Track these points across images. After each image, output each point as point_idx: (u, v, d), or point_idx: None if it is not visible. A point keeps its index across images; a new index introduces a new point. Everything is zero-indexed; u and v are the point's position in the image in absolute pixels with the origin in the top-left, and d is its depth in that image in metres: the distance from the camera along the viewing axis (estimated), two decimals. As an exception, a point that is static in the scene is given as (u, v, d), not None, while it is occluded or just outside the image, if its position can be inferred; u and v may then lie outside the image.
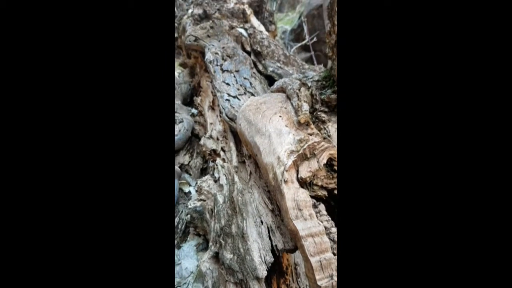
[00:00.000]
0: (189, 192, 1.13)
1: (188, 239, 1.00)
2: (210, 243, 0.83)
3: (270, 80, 1.29)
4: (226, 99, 1.01)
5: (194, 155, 1.31)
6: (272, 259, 0.65)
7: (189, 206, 0.96)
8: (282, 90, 0.96)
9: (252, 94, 1.07)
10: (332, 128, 0.85)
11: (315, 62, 3.11)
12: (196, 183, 1.17)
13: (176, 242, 0.99)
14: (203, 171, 1.29)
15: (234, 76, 1.10)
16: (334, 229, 0.62)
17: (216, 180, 1.01)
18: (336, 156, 0.71)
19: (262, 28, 1.58)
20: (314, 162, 0.69)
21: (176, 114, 1.40)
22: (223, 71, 1.11)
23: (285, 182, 0.64)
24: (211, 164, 1.17)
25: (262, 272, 0.63)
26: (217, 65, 1.13)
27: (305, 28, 2.38)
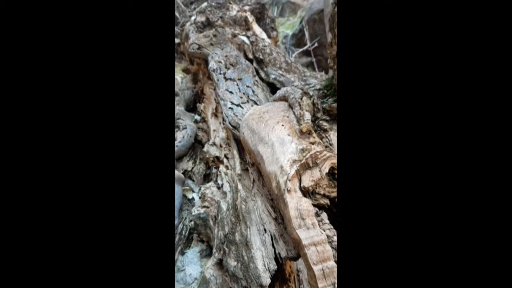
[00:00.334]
0: (193, 198, 1.15)
1: (192, 245, 1.01)
2: (214, 250, 0.84)
3: (272, 87, 1.31)
4: (230, 107, 1.03)
5: (197, 161, 1.33)
6: (276, 267, 0.67)
7: (193, 213, 0.97)
8: (284, 98, 0.97)
9: (255, 102, 1.08)
10: (333, 136, 0.87)
11: (316, 67, 3.13)
12: (199, 189, 1.19)
13: (180, 248, 1.00)
14: (206, 177, 1.31)
15: (237, 85, 1.12)
16: (336, 238, 0.63)
17: (219, 187, 1.03)
18: (337, 165, 0.73)
19: (264, 35, 1.60)
20: (316, 171, 0.70)
21: (180, 121, 1.42)
22: (226, 79, 1.13)
23: (288, 191, 0.65)
24: (214, 170, 1.18)
25: (266, 279, 0.65)
26: (220, 73, 1.15)
27: (306, 33, 2.41)
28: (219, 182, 1.04)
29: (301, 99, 0.92)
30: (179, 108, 1.53)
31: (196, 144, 1.39)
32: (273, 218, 0.74)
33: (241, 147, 1.00)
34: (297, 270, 0.87)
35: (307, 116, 0.85)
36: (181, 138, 1.30)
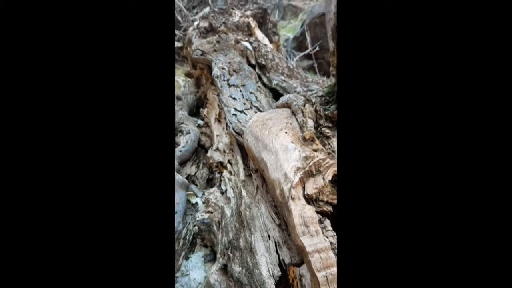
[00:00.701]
0: (196, 203, 1.16)
1: (195, 250, 1.02)
2: (218, 255, 0.86)
3: (274, 92, 1.32)
4: (233, 114, 1.05)
5: (201, 166, 1.34)
6: (280, 273, 0.68)
7: (197, 218, 0.98)
8: (287, 105, 0.99)
9: (258, 108, 1.10)
10: (336, 143, 0.88)
11: (317, 70, 3.15)
12: (203, 193, 1.20)
13: (184, 253, 1.01)
14: (209, 182, 1.32)
15: (241, 91, 1.13)
16: (339, 245, 0.65)
17: (223, 192, 1.04)
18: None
19: (266, 41, 1.62)
20: (319, 178, 0.72)
21: (183, 125, 1.44)
22: (229, 85, 1.15)
23: (292, 198, 0.67)
24: (217, 175, 1.20)
25: (270, 286, 0.66)
26: (224, 80, 1.16)
27: (308, 37, 2.43)
28: (223, 187, 1.05)
29: (304, 106, 0.93)
30: (182, 113, 1.55)
31: (199, 149, 1.40)
32: (277, 225, 0.75)
33: (245, 153, 1.01)
34: (300, 275, 0.88)
35: (310, 123, 0.87)
36: (185, 143, 1.31)
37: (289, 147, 0.79)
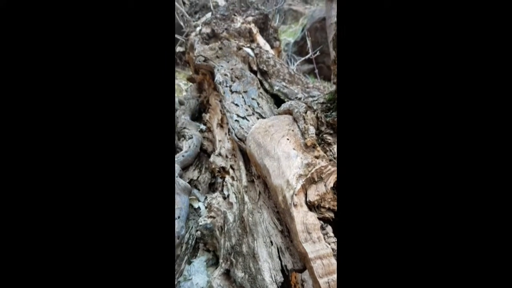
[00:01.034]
0: (199, 207, 1.17)
1: (198, 254, 1.03)
2: (221, 260, 0.87)
3: (276, 98, 1.34)
4: (236, 120, 1.06)
5: (203, 170, 1.35)
6: (282, 279, 0.69)
7: (200, 223, 1.00)
8: (288, 112, 1.00)
9: (260, 114, 1.12)
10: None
11: (317, 74, 3.18)
12: (205, 198, 1.21)
13: (186, 257, 1.02)
14: (211, 186, 1.33)
15: (243, 97, 1.15)
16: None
17: (225, 197, 1.06)
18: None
19: (267, 46, 1.64)
20: (321, 185, 0.73)
21: (186, 130, 1.45)
22: (232, 92, 1.16)
23: (295, 205, 0.68)
24: (219, 180, 1.21)
25: (273, 291, 0.67)
26: (226, 86, 1.18)
27: (309, 42, 2.47)
28: (225, 192, 1.07)
29: (306, 113, 0.95)
30: (184, 118, 1.56)
31: (202, 154, 1.42)
32: (279, 231, 0.77)
33: (247, 159, 1.03)
34: (302, 280, 0.89)
35: (312, 130, 0.88)
36: (187, 147, 1.33)
37: (291, 154, 0.80)
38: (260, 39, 1.65)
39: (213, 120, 1.38)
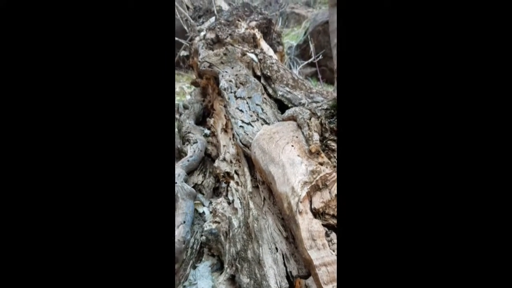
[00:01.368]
0: (203, 212, 1.19)
1: (203, 259, 1.04)
2: (226, 265, 0.88)
3: (279, 103, 1.35)
4: (240, 126, 1.07)
5: (207, 174, 1.37)
6: (287, 285, 0.70)
7: (205, 228, 1.01)
8: (293, 118, 1.02)
9: (264, 120, 1.13)
10: (341, 156, 0.91)
11: (320, 77, 3.19)
12: (210, 203, 1.23)
13: (191, 262, 1.03)
14: (215, 190, 1.34)
15: (247, 103, 1.16)
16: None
17: (229, 202, 1.07)
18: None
19: (271, 51, 1.65)
20: (326, 193, 0.74)
21: (190, 135, 1.46)
22: (236, 98, 1.18)
23: (300, 213, 0.69)
24: (223, 185, 1.22)
25: (278, 297, 0.68)
26: (231, 92, 1.20)
27: (312, 45, 2.48)
28: (230, 197, 1.08)
29: (310, 119, 0.96)
30: (189, 122, 1.58)
31: (206, 158, 1.43)
32: (284, 237, 0.77)
33: (251, 164, 1.04)
34: (306, 286, 0.90)
35: (316, 136, 0.89)
36: (192, 152, 1.34)
37: (296, 161, 0.81)
38: (264, 44, 1.67)
39: (217, 125, 1.39)
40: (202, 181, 1.34)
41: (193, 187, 1.30)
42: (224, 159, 1.18)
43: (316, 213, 0.72)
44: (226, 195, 1.12)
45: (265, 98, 1.25)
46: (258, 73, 1.43)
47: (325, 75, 3.30)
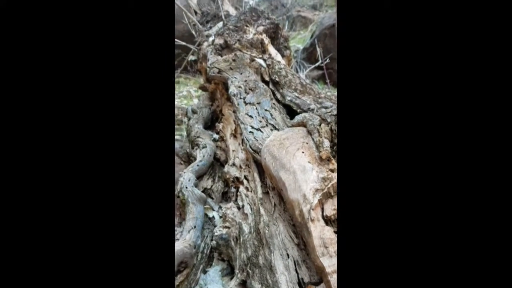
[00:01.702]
0: (213, 217, 1.20)
1: (213, 264, 1.05)
2: (237, 271, 0.88)
3: (288, 108, 1.36)
4: (250, 131, 1.09)
5: (216, 179, 1.38)
6: (299, 292, 0.70)
7: (215, 233, 1.02)
8: (302, 124, 1.02)
9: (273, 126, 1.14)
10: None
11: (327, 80, 3.19)
12: (219, 207, 1.24)
13: (202, 266, 1.04)
14: (224, 195, 1.35)
15: (256, 109, 1.18)
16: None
17: (239, 208, 1.08)
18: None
19: (279, 57, 1.66)
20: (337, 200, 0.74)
21: (199, 139, 1.48)
22: (246, 103, 1.19)
23: (312, 220, 0.70)
24: (232, 189, 1.23)
25: (290, 304, 0.68)
26: (240, 98, 1.21)
27: (319, 49, 2.48)
28: (239, 202, 1.09)
29: (320, 125, 0.96)
30: (198, 126, 1.60)
31: (215, 162, 1.44)
32: (295, 244, 0.78)
33: (261, 170, 1.04)
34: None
35: (326, 143, 0.89)
36: (202, 157, 1.36)
37: (307, 168, 0.82)
38: (272, 50, 1.68)
39: (226, 130, 1.41)
40: (211, 186, 1.35)
41: (203, 191, 1.32)
42: (233, 164, 1.19)
43: (328, 220, 0.73)
44: (236, 200, 1.13)
45: (274, 104, 1.26)
46: (267, 79, 1.44)
47: (332, 78, 3.30)
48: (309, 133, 0.97)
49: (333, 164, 0.85)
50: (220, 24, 2.12)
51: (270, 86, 1.42)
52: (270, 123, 1.13)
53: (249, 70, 1.39)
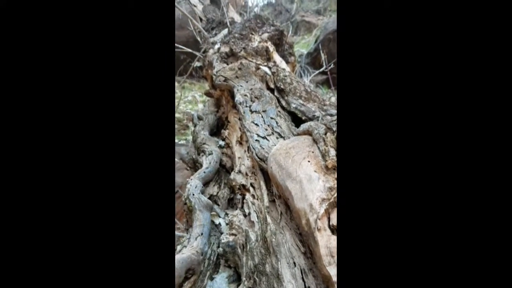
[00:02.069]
0: (219, 224, 1.21)
1: (219, 270, 1.07)
2: (243, 278, 0.89)
3: (293, 116, 1.37)
4: (256, 140, 1.10)
5: (222, 185, 1.40)
6: (306, 301, 0.71)
7: (222, 241, 1.03)
8: (308, 133, 1.04)
9: (279, 134, 1.15)
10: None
11: (331, 84, 3.20)
12: (226, 214, 1.25)
13: (208, 273, 1.06)
14: (230, 202, 1.37)
15: (262, 117, 1.19)
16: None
17: (246, 215, 1.09)
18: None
19: (284, 64, 1.68)
20: (343, 209, 0.75)
21: (205, 146, 1.50)
22: (251, 112, 1.21)
23: (318, 230, 0.71)
24: (238, 196, 1.25)
25: (297, 313, 0.69)
26: (246, 106, 1.23)
27: (323, 55, 2.50)
28: (246, 210, 1.10)
29: (325, 134, 0.97)
30: (203, 133, 1.62)
31: (221, 169, 1.46)
32: (302, 253, 0.79)
33: (267, 178, 1.06)
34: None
35: (332, 152, 0.91)
36: (208, 164, 1.37)
37: (313, 177, 0.83)
38: (277, 57, 1.70)
39: (232, 137, 1.43)
40: (217, 192, 1.37)
41: (209, 198, 1.33)
42: (239, 171, 1.21)
43: (334, 230, 0.74)
44: (242, 207, 1.14)
45: (279, 111, 1.28)
46: (272, 86, 1.46)
47: (336, 82, 3.32)
48: (315, 141, 0.98)
49: (339, 173, 0.86)
50: (225, 31, 2.15)
51: (275, 93, 1.44)
52: (275, 131, 1.15)
53: (254, 78, 1.41)
